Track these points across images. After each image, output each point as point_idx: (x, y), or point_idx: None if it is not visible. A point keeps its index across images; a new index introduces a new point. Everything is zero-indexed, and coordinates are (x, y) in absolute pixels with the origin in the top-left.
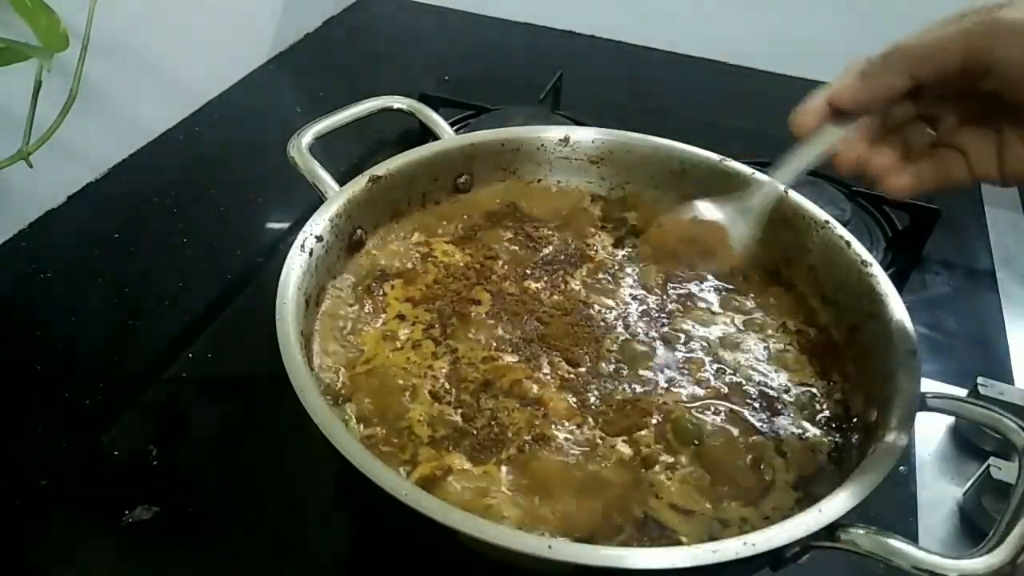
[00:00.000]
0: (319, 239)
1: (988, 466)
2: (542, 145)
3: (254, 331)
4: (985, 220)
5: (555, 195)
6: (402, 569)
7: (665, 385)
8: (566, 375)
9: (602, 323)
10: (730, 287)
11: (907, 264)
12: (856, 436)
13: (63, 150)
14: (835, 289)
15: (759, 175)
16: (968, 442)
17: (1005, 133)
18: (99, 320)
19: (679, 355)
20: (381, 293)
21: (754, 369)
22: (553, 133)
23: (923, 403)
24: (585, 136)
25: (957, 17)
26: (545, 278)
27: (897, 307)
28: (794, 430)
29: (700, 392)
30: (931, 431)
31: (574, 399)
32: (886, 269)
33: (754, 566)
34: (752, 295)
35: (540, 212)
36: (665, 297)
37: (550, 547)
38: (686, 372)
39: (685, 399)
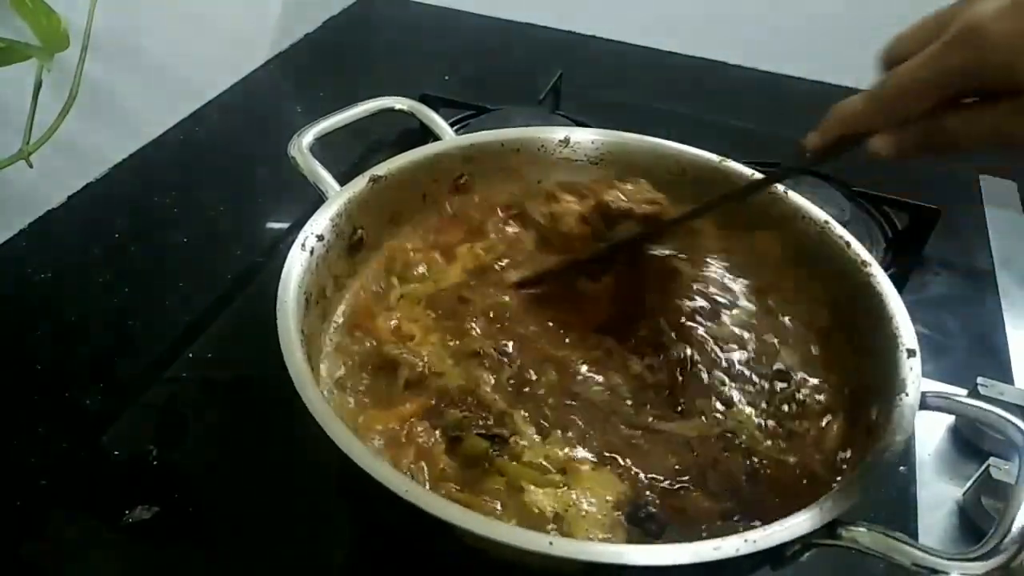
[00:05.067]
0: (320, 238)
1: (988, 466)
2: (542, 146)
3: (254, 331)
4: (985, 220)
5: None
6: (403, 568)
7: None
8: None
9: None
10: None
11: (907, 264)
12: (856, 436)
13: (63, 150)
14: (835, 290)
15: (759, 175)
16: (968, 442)
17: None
18: (99, 320)
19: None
20: (381, 293)
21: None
22: (553, 134)
23: (923, 403)
24: (585, 137)
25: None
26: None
27: (897, 307)
28: (795, 429)
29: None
30: (931, 431)
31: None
32: (886, 269)
33: (755, 563)
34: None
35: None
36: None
37: (551, 544)
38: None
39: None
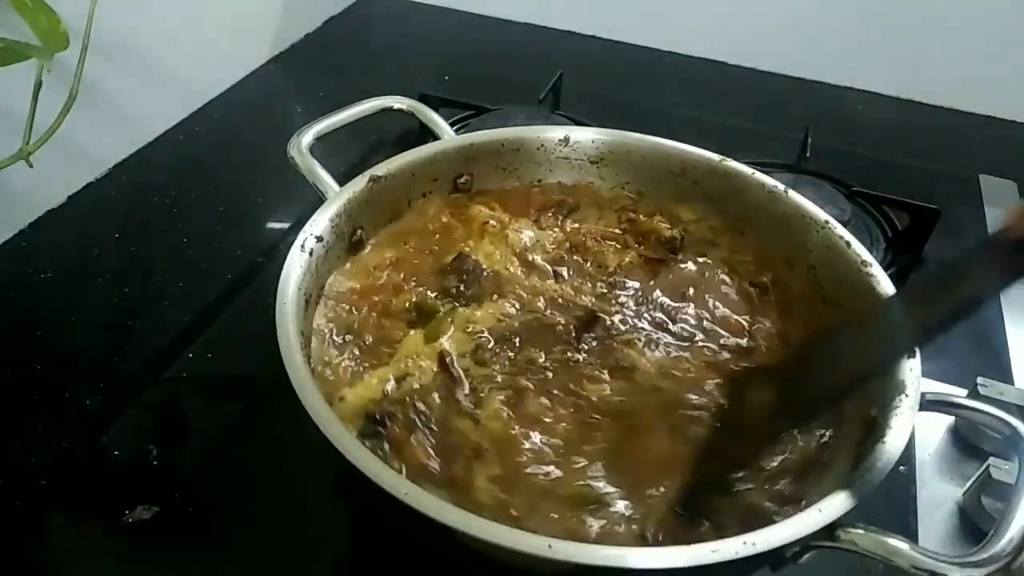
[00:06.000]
0: (319, 239)
1: (988, 466)
2: (542, 145)
3: (254, 331)
4: (985, 220)
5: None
6: (402, 569)
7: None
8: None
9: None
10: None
11: (907, 264)
12: (856, 436)
13: (63, 150)
14: (835, 289)
15: (759, 175)
16: (968, 442)
17: None
18: (99, 320)
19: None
20: (382, 291)
21: None
22: (553, 133)
23: (923, 403)
24: (585, 136)
25: None
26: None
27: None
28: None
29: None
30: (931, 431)
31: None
32: (886, 269)
33: (754, 565)
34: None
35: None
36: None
37: (550, 547)
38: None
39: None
